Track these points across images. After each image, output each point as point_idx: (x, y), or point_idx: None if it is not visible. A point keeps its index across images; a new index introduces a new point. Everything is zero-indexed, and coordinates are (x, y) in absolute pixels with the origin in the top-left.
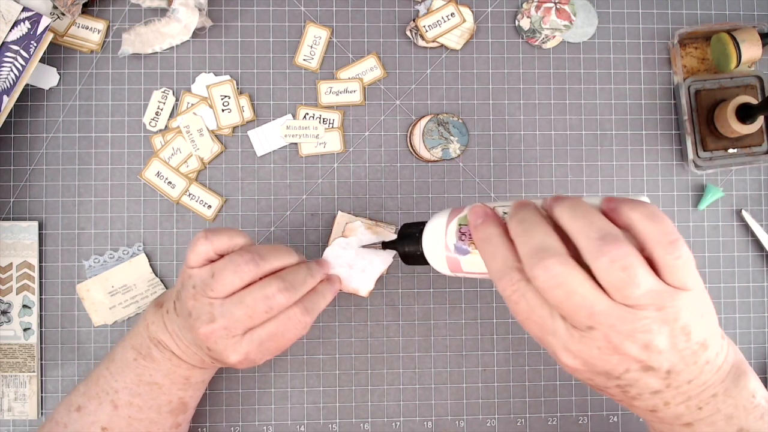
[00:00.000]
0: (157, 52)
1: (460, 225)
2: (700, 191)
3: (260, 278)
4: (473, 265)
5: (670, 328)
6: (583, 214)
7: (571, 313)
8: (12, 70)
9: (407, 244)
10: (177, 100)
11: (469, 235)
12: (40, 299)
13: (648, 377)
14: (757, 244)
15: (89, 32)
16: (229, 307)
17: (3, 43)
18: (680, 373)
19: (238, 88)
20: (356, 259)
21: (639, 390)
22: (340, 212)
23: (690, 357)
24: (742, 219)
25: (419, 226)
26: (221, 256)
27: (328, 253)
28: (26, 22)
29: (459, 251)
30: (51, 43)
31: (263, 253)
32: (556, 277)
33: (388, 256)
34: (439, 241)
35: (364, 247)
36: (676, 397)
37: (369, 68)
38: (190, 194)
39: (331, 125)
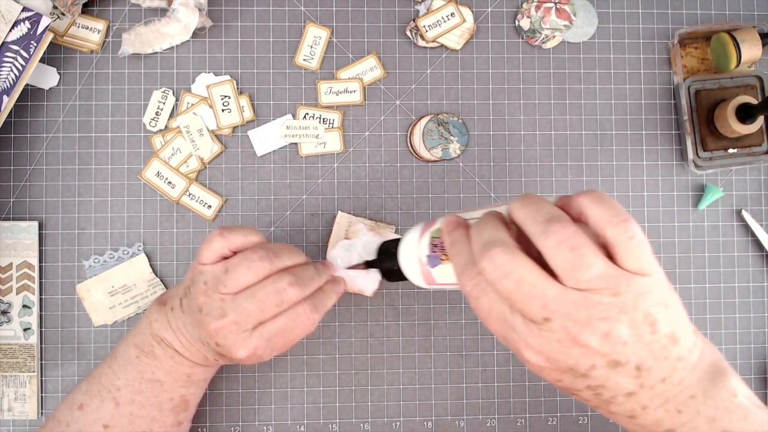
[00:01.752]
0: (157, 52)
1: (432, 238)
2: (700, 191)
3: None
4: (444, 275)
5: (629, 316)
6: (531, 202)
7: (524, 304)
8: (12, 70)
9: (385, 260)
10: (177, 100)
11: (441, 246)
12: (40, 299)
13: (618, 375)
14: (757, 244)
15: (89, 32)
16: (240, 301)
17: (3, 43)
18: (651, 370)
19: (238, 88)
20: (359, 260)
21: (612, 392)
22: (340, 212)
23: (660, 351)
24: (742, 219)
25: (396, 243)
26: (234, 253)
27: (332, 255)
28: (26, 22)
29: (431, 262)
30: (51, 43)
31: (277, 251)
32: (501, 266)
33: None
34: (412, 254)
35: (349, 269)
36: (653, 400)
37: (369, 68)
38: (190, 194)
39: (331, 125)
